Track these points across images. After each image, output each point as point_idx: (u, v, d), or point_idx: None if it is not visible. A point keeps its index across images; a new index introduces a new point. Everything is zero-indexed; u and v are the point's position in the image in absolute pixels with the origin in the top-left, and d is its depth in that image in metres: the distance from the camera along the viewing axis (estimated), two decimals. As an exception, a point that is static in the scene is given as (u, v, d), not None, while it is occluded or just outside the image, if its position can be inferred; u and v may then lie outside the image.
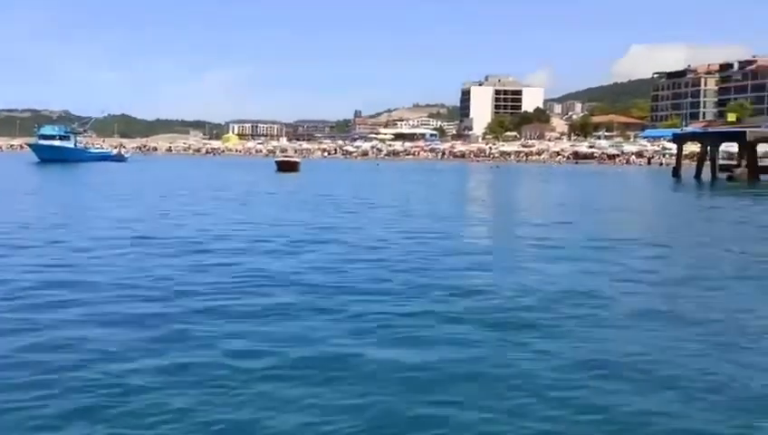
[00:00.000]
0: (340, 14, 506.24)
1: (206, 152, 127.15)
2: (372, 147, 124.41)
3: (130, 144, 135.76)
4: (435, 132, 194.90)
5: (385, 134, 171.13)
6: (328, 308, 8.91)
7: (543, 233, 17.61)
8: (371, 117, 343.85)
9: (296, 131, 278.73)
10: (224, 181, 42.78)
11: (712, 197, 36.41)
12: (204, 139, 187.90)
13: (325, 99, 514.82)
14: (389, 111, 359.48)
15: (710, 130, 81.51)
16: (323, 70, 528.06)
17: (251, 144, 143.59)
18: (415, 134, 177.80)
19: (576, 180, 51.94)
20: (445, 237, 16.61)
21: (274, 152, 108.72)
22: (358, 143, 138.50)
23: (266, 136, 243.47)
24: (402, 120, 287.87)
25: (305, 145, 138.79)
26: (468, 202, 31.77)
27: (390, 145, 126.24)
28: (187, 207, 24.51)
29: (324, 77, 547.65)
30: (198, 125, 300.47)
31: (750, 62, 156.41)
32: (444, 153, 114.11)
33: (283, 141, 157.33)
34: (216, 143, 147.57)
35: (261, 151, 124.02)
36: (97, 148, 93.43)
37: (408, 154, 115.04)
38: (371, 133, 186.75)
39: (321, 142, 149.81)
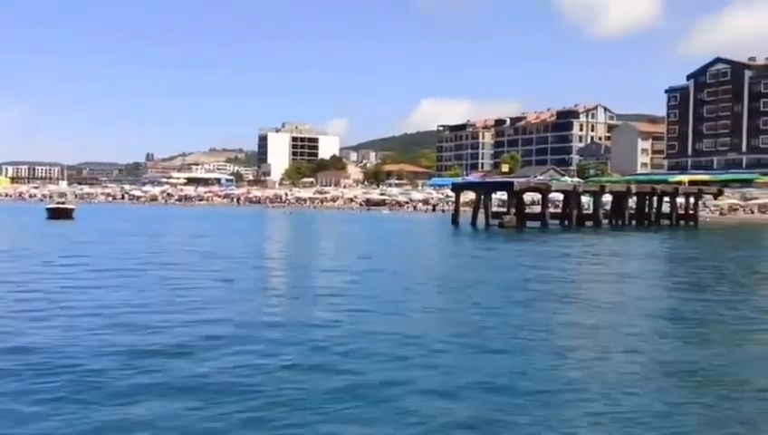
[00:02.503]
0: (133, 48, 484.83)
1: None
2: (162, 191, 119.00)
3: None
4: (231, 177, 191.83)
5: (177, 178, 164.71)
6: None
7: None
8: (165, 160, 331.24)
9: (80, 174, 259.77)
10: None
11: (479, 241, 38.94)
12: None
13: (115, 140, 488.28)
14: (184, 154, 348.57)
15: (484, 180, 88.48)
16: (113, 108, 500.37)
17: (24, 188, 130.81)
18: (210, 179, 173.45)
19: (362, 226, 53.18)
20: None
21: (52, 197, 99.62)
22: (147, 187, 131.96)
23: (45, 179, 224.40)
24: (198, 165, 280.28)
25: (87, 189, 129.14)
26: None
27: (182, 190, 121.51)
28: None
29: (114, 115, 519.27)
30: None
31: (520, 119, 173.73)
32: (239, 199, 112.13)
33: (63, 185, 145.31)
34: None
35: (35, 196, 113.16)
36: None
37: (201, 199, 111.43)
38: (163, 177, 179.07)
39: (105, 186, 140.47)
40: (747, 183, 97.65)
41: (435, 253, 31.90)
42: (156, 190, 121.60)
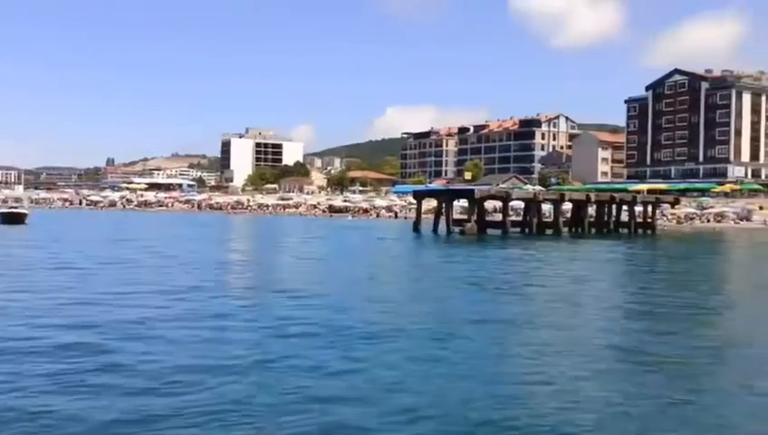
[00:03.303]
0: (95, 51, 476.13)
1: None
2: (122, 197, 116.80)
3: None
4: (193, 183, 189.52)
5: (138, 184, 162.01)
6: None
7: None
8: (126, 165, 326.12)
9: (38, 179, 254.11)
10: None
11: (439, 249, 38.89)
12: None
13: (75, 144, 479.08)
14: (146, 159, 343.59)
15: (447, 187, 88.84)
16: (72, 111, 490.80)
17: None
18: (171, 184, 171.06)
19: (320, 233, 52.84)
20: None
21: (7, 202, 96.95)
22: (106, 193, 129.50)
23: (1, 183, 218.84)
24: (160, 170, 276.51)
25: (44, 194, 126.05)
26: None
27: (142, 195, 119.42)
28: None
29: (74, 119, 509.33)
30: None
31: (483, 127, 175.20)
32: (200, 205, 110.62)
33: (19, 189, 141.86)
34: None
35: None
36: None
37: (161, 205, 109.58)
38: (124, 182, 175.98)
39: (63, 191, 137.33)
40: (704, 192, 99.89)
41: (393, 262, 31.67)
42: (115, 196, 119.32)
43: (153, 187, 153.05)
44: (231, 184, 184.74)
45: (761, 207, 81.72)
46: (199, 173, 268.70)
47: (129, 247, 32.31)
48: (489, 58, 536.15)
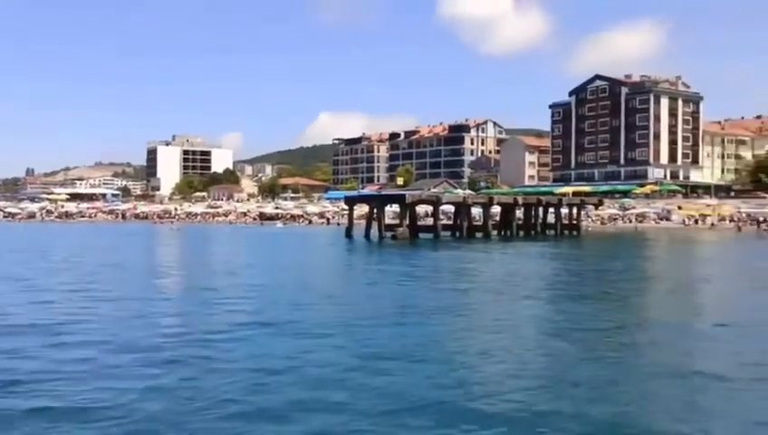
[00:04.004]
0: (12, 58, 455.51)
1: None
2: (42, 208, 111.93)
3: None
4: (118, 192, 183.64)
5: (59, 194, 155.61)
6: None
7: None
8: (47, 175, 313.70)
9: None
10: None
11: (370, 254, 38.80)
12: None
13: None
14: (68, 168, 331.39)
15: (379, 192, 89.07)
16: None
17: None
18: (95, 194, 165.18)
19: (255, 241, 51.94)
20: None
21: None
22: (25, 204, 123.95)
23: None
24: (82, 179, 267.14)
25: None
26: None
27: (63, 206, 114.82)
28: None
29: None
30: None
31: (414, 132, 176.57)
32: (125, 214, 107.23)
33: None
34: None
35: None
36: None
37: (83, 216, 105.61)
38: (44, 193, 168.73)
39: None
40: (625, 194, 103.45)
41: (322, 268, 31.32)
42: (34, 207, 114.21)
43: (75, 197, 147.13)
44: (158, 193, 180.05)
45: (679, 208, 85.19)
46: (124, 182, 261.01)
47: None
48: (419, 65, 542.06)
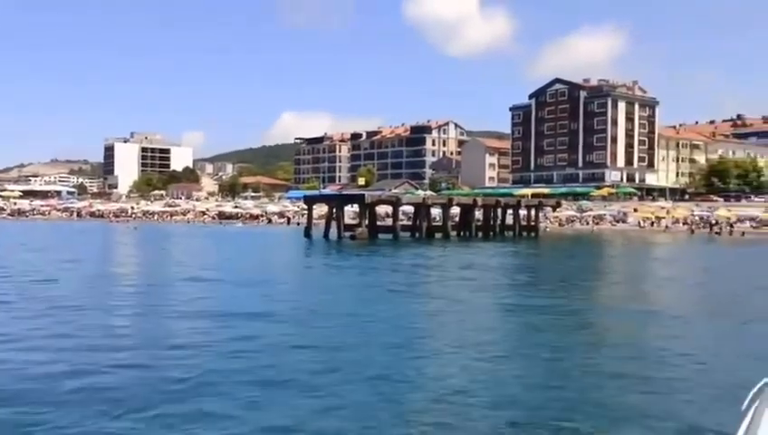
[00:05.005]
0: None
1: None
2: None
3: None
4: (74, 190, 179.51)
5: (12, 191, 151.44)
6: None
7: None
8: (0, 171, 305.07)
9: None
10: None
11: (327, 254, 38.63)
12: None
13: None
14: (22, 165, 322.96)
15: (340, 192, 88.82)
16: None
17: None
18: (49, 191, 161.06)
19: (211, 241, 51.28)
20: None
21: None
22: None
23: None
24: (37, 176, 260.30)
25: None
26: None
27: (15, 203, 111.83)
28: None
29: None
30: None
31: (376, 133, 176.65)
32: (80, 212, 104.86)
33: None
34: None
35: None
36: None
37: (37, 214, 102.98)
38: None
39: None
40: (583, 196, 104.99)
41: (279, 267, 31.03)
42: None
43: (29, 194, 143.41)
44: (115, 191, 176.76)
45: (635, 210, 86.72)
46: (81, 180, 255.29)
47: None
48: (385, 65, 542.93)
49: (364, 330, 13.49)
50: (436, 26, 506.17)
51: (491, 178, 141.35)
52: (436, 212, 62.51)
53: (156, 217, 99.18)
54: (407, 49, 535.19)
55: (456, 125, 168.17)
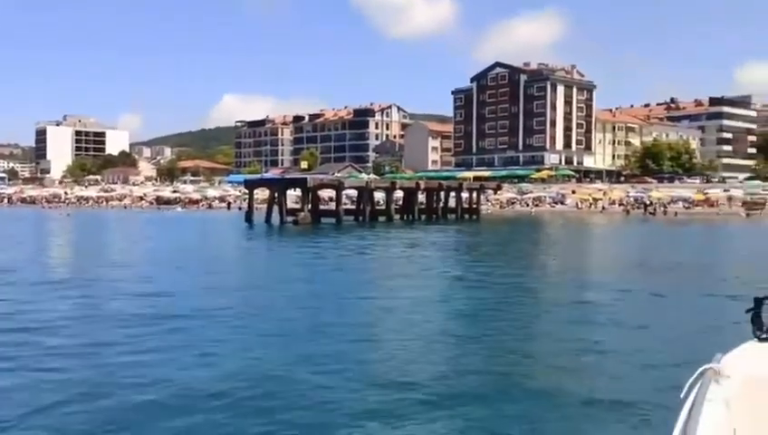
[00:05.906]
0: None
1: None
2: None
3: None
4: (4, 175, 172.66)
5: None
6: None
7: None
8: None
9: None
10: None
11: (269, 239, 38.13)
12: None
13: None
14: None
15: (282, 176, 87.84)
16: None
17: None
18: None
19: (148, 227, 49.93)
20: None
21: None
22: None
23: None
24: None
25: None
26: None
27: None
28: None
29: None
30: None
31: (318, 116, 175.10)
32: (10, 199, 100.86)
33: None
34: None
35: None
36: None
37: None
38: None
39: None
40: (523, 178, 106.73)
41: (218, 254, 30.38)
42: None
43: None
44: (47, 176, 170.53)
45: (573, 192, 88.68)
46: (12, 164, 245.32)
47: None
48: (329, 47, 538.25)
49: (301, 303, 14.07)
50: (380, 9, 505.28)
51: (434, 162, 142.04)
52: (379, 196, 62.46)
53: (91, 203, 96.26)
54: (351, 31, 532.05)
55: (400, 108, 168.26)
